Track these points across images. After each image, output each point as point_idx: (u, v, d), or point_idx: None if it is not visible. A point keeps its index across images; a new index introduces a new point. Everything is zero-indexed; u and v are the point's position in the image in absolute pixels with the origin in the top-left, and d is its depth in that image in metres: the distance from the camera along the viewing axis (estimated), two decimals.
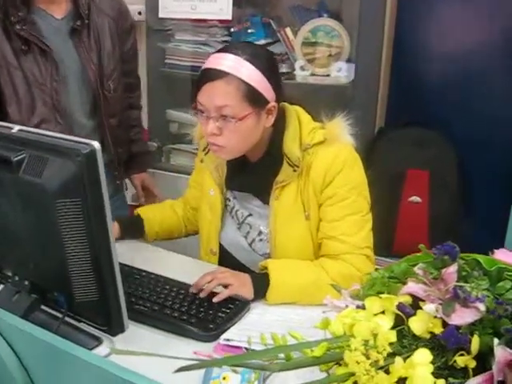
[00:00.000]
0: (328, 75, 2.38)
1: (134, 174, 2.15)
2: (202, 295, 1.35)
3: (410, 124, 2.51)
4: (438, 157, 2.39)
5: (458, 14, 2.54)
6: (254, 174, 1.51)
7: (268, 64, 1.40)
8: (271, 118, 1.42)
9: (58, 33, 1.77)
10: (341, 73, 2.36)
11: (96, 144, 0.90)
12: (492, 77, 2.50)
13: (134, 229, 1.70)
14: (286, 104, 1.49)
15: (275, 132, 1.46)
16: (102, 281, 0.99)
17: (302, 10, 2.48)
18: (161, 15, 2.53)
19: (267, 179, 1.47)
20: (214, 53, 1.42)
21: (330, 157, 1.43)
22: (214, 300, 1.33)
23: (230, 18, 2.40)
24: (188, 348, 1.19)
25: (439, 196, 2.36)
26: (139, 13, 3.17)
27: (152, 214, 1.73)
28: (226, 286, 1.36)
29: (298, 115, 1.48)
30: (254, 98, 1.35)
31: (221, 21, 2.46)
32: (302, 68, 2.40)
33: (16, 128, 1.02)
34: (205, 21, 2.51)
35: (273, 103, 1.40)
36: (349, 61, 2.40)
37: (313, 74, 2.40)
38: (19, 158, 0.97)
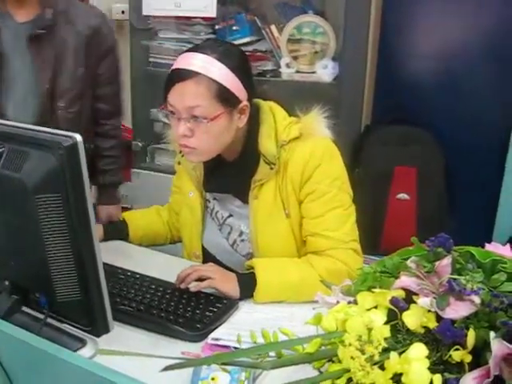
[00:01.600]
0: (314, 72, 2.37)
1: (101, 205, 1.98)
2: (182, 286, 1.33)
3: (396, 121, 2.50)
4: (425, 153, 2.39)
5: (443, 12, 2.54)
6: (232, 174, 1.47)
7: (239, 62, 1.36)
8: (244, 118, 1.38)
9: (17, 37, 1.69)
10: (326, 70, 2.34)
11: (78, 136, 0.87)
12: (476, 75, 2.52)
13: (117, 232, 1.67)
14: (259, 100, 1.46)
15: (250, 130, 1.43)
16: (84, 279, 0.95)
17: (286, 7, 2.47)
18: (144, 12, 2.50)
19: (245, 178, 1.44)
20: (182, 53, 1.38)
21: (306, 152, 1.40)
22: (192, 289, 1.31)
23: (214, 15, 2.37)
24: (176, 348, 1.16)
25: (427, 193, 2.36)
26: (122, 12, 3.15)
27: (136, 219, 1.69)
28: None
29: (272, 111, 1.45)
30: (225, 97, 1.32)
31: (205, 18, 2.44)
32: (288, 65, 2.38)
33: None
34: (189, 18, 2.48)
35: (245, 102, 1.36)
36: (334, 58, 2.39)
37: (298, 72, 2.38)
38: None
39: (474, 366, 0.80)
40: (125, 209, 2.58)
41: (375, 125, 2.59)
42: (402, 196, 2.37)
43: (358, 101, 2.63)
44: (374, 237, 2.32)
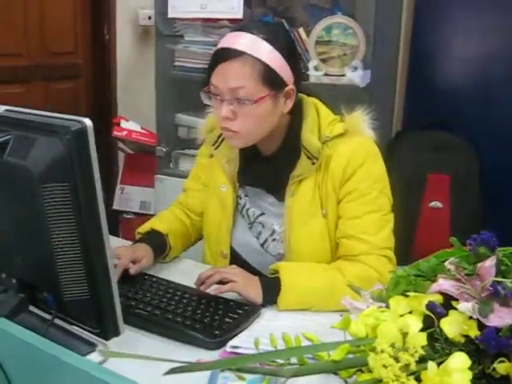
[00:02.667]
0: (343, 75, 2.29)
1: None
2: (202, 288, 1.26)
3: (429, 127, 2.41)
4: (459, 160, 2.30)
5: (478, 13, 2.46)
6: (269, 168, 1.41)
7: (287, 44, 1.33)
8: (289, 103, 1.33)
9: None
10: (356, 73, 2.26)
11: (87, 121, 0.81)
12: None
13: (162, 250, 1.48)
14: (303, 95, 1.41)
15: (292, 123, 1.38)
16: (93, 277, 0.88)
17: (315, 8, 2.41)
18: (170, 15, 2.46)
19: (283, 173, 1.38)
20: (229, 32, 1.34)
21: (351, 149, 1.35)
22: (212, 292, 1.24)
23: (241, 17, 2.32)
24: (191, 356, 1.08)
25: (461, 201, 2.26)
26: (149, 17, 3.14)
27: (173, 230, 1.51)
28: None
29: (316, 107, 1.41)
30: (271, 79, 1.27)
31: (231, 20, 2.38)
32: (316, 68, 2.30)
33: (2, 108, 0.93)
34: (215, 20, 2.43)
35: (291, 86, 1.32)
36: (364, 60, 2.31)
37: (327, 74, 2.30)
38: (4, 139, 0.87)
39: None
40: (148, 216, 2.54)
41: (407, 131, 2.50)
42: (435, 204, 2.27)
43: (388, 105, 2.54)
44: (405, 246, 2.22)
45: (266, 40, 1.27)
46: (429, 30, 2.54)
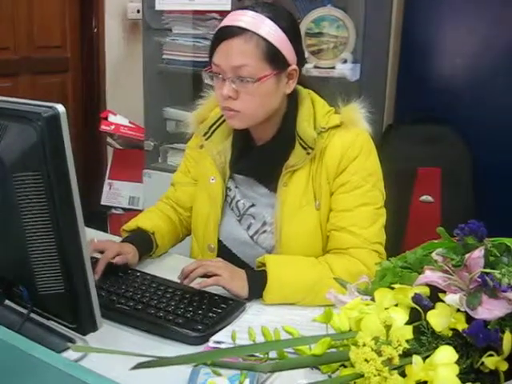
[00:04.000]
0: (333, 67, 2.26)
1: None
2: (185, 282, 1.23)
3: (420, 120, 2.39)
4: (450, 154, 2.27)
5: (468, 7, 2.43)
6: (262, 157, 1.39)
7: (291, 25, 1.30)
8: (291, 84, 1.32)
9: None
10: (346, 65, 2.23)
11: (60, 107, 0.77)
12: (503, 71, 2.40)
13: (147, 247, 1.44)
14: (298, 86, 1.38)
15: (287, 112, 1.36)
16: (68, 270, 0.85)
17: (304, 0, 2.36)
18: (158, 7, 2.42)
19: (276, 163, 1.35)
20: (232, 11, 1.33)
21: (346, 141, 1.33)
22: (196, 286, 1.21)
23: (229, 8, 2.28)
24: (174, 351, 1.03)
25: (452, 195, 2.23)
26: (138, 11, 3.10)
27: (158, 227, 1.47)
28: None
29: (311, 97, 1.39)
30: (274, 57, 1.25)
31: (220, 12, 2.34)
32: (306, 60, 2.27)
33: None
34: (203, 13, 2.40)
35: (294, 66, 1.30)
36: (354, 54, 2.28)
37: (317, 67, 2.27)
38: None
39: (510, 375, 0.68)
40: (136, 211, 2.50)
41: (398, 124, 2.48)
42: (426, 198, 2.25)
43: (379, 99, 2.51)
44: (396, 241, 2.19)
45: (269, 18, 1.25)
46: (420, 24, 2.52)
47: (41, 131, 0.78)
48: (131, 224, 1.47)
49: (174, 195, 1.55)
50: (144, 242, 1.42)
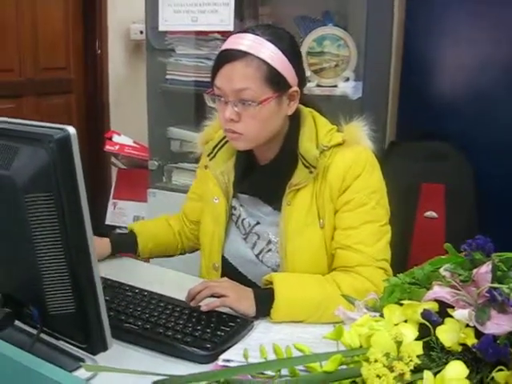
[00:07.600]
0: (335, 86, 2.28)
1: None
2: (192, 304, 1.23)
3: (423, 137, 2.40)
4: (453, 170, 2.28)
5: (470, 23, 2.46)
6: (266, 177, 1.40)
7: (290, 46, 1.32)
8: (293, 105, 1.33)
9: None
10: (348, 83, 2.25)
11: (71, 129, 0.79)
12: (504, 88, 2.42)
13: (126, 245, 1.57)
14: (299, 105, 1.40)
15: (289, 131, 1.37)
16: (79, 290, 0.86)
17: (306, 20, 2.40)
18: (161, 28, 2.44)
19: (279, 182, 1.37)
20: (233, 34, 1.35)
21: (349, 159, 1.33)
22: (202, 308, 1.21)
23: (231, 29, 2.30)
24: (183, 370, 1.03)
25: (456, 210, 2.23)
26: (141, 32, 3.14)
27: (146, 229, 1.60)
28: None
29: (313, 116, 1.40)
30: (275, 80, 1.27)
31: (222, 33, 2.37)
32: (308, 79, 2.29)
33: None
34: (206, 33, 2.43)
35: (295, 88, 1.32)
36: (356, 72, 2.30)
37: (319, 86, 2.29)
38: None
39: None
40: None
41: (400, 141, 2.49)
42: (430, 214, 2.25)
43: (381, 116, 2.53)
44: (400, 257, 2.19)
45: (269, 41, 1.27)
46: (420, 41, 2.54)
47: (52, 153, 0.79)
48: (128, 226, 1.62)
49: (184, 207, 1.65)
50: (122, 241, 1.57)
